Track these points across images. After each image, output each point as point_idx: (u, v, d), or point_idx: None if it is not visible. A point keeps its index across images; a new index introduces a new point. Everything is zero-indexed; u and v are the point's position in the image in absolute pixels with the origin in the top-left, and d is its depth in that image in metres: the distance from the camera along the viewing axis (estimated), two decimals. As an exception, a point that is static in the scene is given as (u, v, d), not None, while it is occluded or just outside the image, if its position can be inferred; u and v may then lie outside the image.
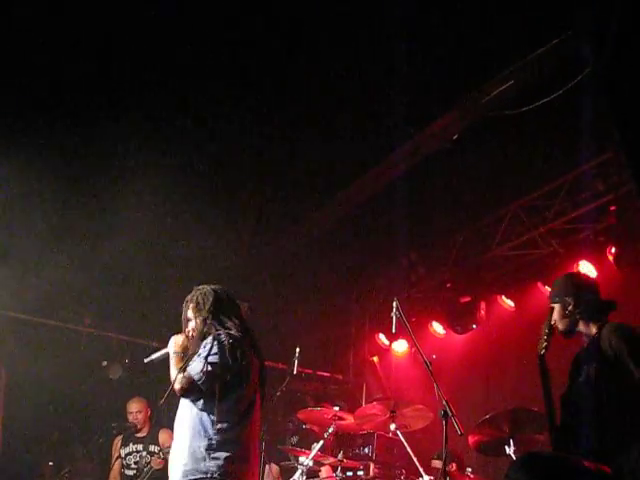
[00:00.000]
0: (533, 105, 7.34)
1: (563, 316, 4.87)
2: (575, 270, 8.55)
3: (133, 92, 8.22)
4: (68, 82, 7.97)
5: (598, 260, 8.58)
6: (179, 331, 5.17)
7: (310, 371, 11.27)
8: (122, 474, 8.67)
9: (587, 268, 8.62)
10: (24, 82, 7.83)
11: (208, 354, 4.80)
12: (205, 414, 4.81)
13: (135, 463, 8.56)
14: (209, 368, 4.76)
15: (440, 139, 8.49)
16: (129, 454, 8.68)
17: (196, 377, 4.77)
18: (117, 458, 8.72)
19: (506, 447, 6.36)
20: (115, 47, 7.64)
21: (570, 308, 4.84)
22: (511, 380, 9.43)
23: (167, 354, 5.08)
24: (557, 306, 4.91)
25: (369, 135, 8.51)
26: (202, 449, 4.72)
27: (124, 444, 8.76)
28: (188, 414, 4.88)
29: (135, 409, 8.82)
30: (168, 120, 8.60)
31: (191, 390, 4.81)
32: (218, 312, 5.05)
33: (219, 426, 4.76)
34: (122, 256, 9.84)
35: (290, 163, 9.07)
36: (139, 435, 8.77)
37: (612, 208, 8.45)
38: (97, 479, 9.41)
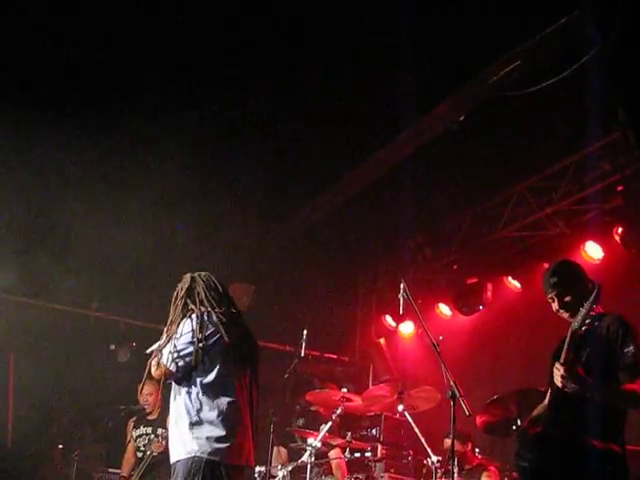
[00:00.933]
0: (540, 86, 7.32)
1: (562, 305, 4.88)
2: (580, 253, 8.59)
3: (135, 83, 8.26)
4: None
5: (605, 241, 8.59)
6: None
7: (317, 353, 11.30)
8: (135, 456, 8.74)
9: (594, 249, 8.63)
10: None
11: (177, 337, 4.88)
12: (187, 396, 4.86)
13: (144, 446, 8.60)
14: (176, 352, 4.84)
15: (446, 121, 8.47)
16: (140, 436, 8.71)
17: (166, 363, 4.85)
18: (130, 440, 8.78)
19: (514, 427, 6.38)
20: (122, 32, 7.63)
21: (567, 299, 4.85)
22: (518, 361, 9.46)
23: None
24: (554, 296, 4.91)
25: (375, 117, 8.48)
26: (186, 430, 4.78)
27: (136, 426, 8.80)
28: (174, 397, 4.96)
29: (146, 391, 8.85)
30: (169, 106, 8.59)
31: (167, 375, 4.88)
32: (191, 298, 5.08)
33: (197, 406, 4.81)
34: (129, 239, 9.86)
35: (296, 146, 9.05)
36: (150, 418, 8.80)
37: (619, 188, 8.44)
38: (106, 462, 9.46)
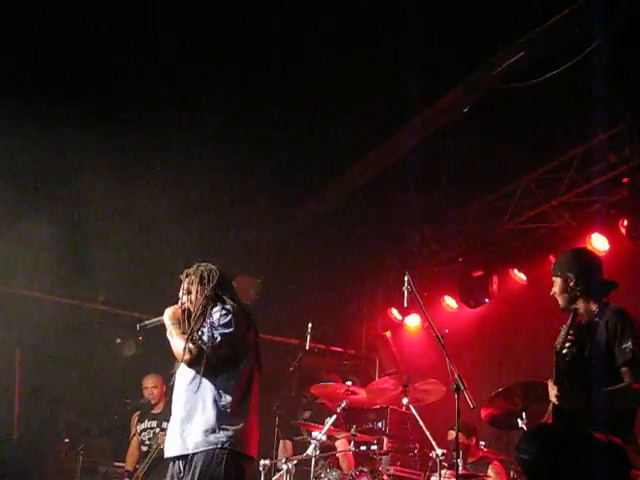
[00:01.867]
0: (544, 77, 7.29)
1: (563, 290, 4.88)
2: (585, 245, 8.55)
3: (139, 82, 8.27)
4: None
5: (610, 233, 8.56)
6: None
7: (323, 346, 11.31)
8: (140, 450, 8.76)
9: (599, 241, 8.60)
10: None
11: (217, 324, 4.87)
12: (213, 387, 4.86)
13: (149, 440, 8.63)
14: (218, 337, 4.83)
15: (451, 112, 8.44)
16: (144, 430, 8.74)
17: (205, 346, 4.82)
18: (134, 434, 8.80)
19: (518, 420, 6.37)
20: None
21: (572, 284, 4.83)
22: (524, 353, 9.45)
23: (159, 322, 5.18)
24: (558, 280, 4.92)
25: (379, 110, 8.46)
26: (211, 421, 4.77)
27: (140, 420, 8.82)
28: (195, 388, 4.90)
29: (150, 384, 8.89)
30: (173, 103, 8.60)
31: (199, 359, 4.84)
32: (221, 289, 5.10)
33: (225, 398, 4.83)
34: (134, 233, 9.87)
35: (301, 139, 9.03)
36: (155, 412, 8.83)
37: (624, 180, 8.42)
38: (112, 456, 9.47)
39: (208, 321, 4.89)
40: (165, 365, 9.43)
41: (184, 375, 5.00)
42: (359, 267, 11.94)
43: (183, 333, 4.93)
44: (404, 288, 6.08)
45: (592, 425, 4.27)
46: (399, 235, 11.08)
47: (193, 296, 5.07)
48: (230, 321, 4.88)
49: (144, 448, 8.65)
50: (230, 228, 10.30)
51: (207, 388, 4.87)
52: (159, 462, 8.16)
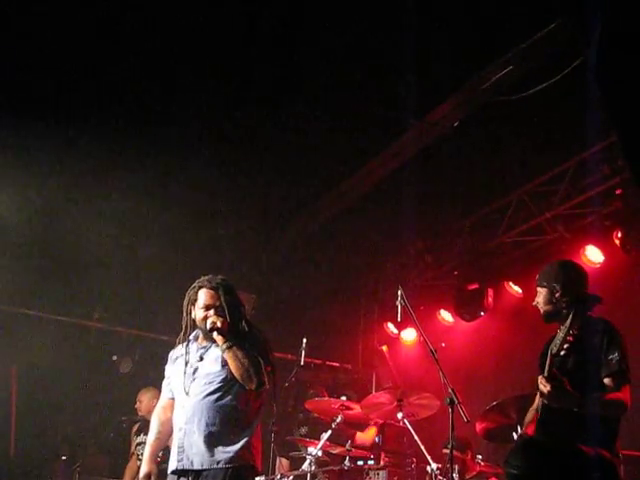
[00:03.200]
0: (534, 90, 7.31)
1: (548, 301, 4.88)
2: (580, 257, 8.55)
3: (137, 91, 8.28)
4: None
5: (605, 245, 8.56)
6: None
7: (319, 361, 11.28)
8: (137, 465, 8.74)
9: (594, 253, 8.60)
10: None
11: (261, 352, 4.94)
12: (238, 404, 4.92)
13: (142, 454, 8.61)
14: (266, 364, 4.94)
15: (441, 126, 8.46)
16: (139, 444, 8.72)
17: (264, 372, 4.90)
18: (136, 446, 8.81)
19: (514, 434, 6.34)
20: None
21: (557, 295, 4.84)
22: (519, 366, 9.39)
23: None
24: (544, 290, 4.92)
25: (369, 124, 8.48)
26: (235, 437, 4.83)
27: (137, 434, 8.81)
28: (222, 404, 4.91)
29: (145, 399, 8.89)
30: (171, 118, 8.62)
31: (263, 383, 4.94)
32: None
33: (248, 415, 4.94)
34: (130, 250, 9.88)
35: (295, 152, 9.04)
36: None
37: (618, 192, 8.39)
38: (109, 473, 9.45)
39: (255, 345, 4.97)
40: (161, 382, 9.46)
41: (205, 390, 4.96)
42: (355, 281, 11.93)
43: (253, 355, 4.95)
44: (397, 302, 6.08)
45: (577, 436, 4.26)
46: (394, 249, 11.07)
47: (228, 311, 5.04)
48: (265, 347, 5.02)
49: (139, 463, 8.62)
50: (224, 244, 10.30)
51: (232, 406, 4.91)
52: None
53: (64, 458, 9.54)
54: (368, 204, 10.17)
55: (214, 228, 10.02)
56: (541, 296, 4.92)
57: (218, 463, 4.77)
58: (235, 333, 4.96)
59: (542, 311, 4.93)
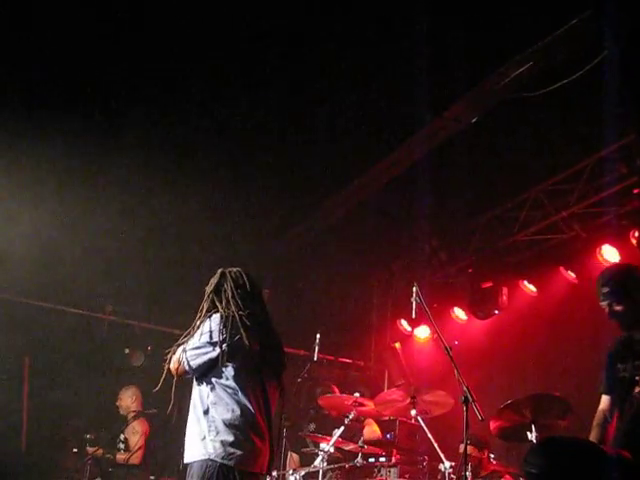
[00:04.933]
0: (553, 87, 7.26)
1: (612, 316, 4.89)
2: (596, 256, 8.53)
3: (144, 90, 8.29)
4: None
5: (621, 244, 8.51)
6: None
7: (332, 357, 11.27)
8: None
9: (610, 252, 8.55)
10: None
11: (197, 335, 4.87)
12: (203, 396, 4.84)
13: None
14: (191, 351, 4.83)
15: (459, 123, 8.41)
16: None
17: (180, 360, 4.85)
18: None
19: (528, 433, 6.31)
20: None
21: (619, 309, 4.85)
22: (534, 365, 9.39)
23: None
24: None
25: (387, 120, 8.44)
26: (202, 431, 4.73)
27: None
28: (194, 397, 4.92)
29: (125, 397, 9.14)
30: (190, 108, 8.61)
31: (180, 372, 4.89)
32: (218, 295, 5.02)
33: (213, 408, 4.78)
34: (143, 243, 9.87)
35: (310, 149, 9.02)
36: None
37: (635, 191, 8.36)
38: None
39: (192, 334, 4.92)
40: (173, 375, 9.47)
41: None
42: (368, 278, 11.91)
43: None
44: (412, 299, 6.05)
45: None
46: (408, 246, 11.04)
47: (200, 310, 5.08)
48: (210, 333, 4.85)
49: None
50: (238, 239, 10.28)
51: (198, 398, 4.86)
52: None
53: (75, 451, 9.54)
54: (383, 201, 10.15)
55: (228, 222, 9.99)
56: (606, 310, 4.91)
57: (187, 458, 4.80)
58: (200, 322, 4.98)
59: (625, 321, 4.91)
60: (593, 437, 5.04)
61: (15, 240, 9.04)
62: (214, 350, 4.81)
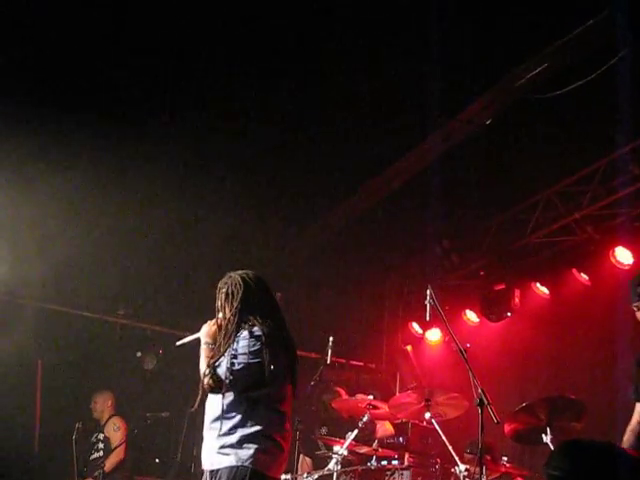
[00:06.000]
0: (567, 88, 7.24)
1: None
2: (609, 258, 8.50)
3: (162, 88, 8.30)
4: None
5: (635, 246, 8.49)
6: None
7: (343, 360, 11.26)
8: None
9: (623, 254, 8.53)
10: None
11: (240, 353, 4.75)
12: (239, 405, 4.77)
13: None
14: (238, 369, 4.73)
15: (473, 124, 8.40)
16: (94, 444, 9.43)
17: (224, 376, 4.73)
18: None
19: (543, 436, 6.30)
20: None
21: None
22: (546, 368, 9.36)
23: (198, 339, 5.03)
24: None
25: (400, 122, 8.43)
26: (235, 438, 4.69)
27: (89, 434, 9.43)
28: (221, 404, 4.81)
29: (100, 401, 9.54)
30: (197, 110, 8.62)
31: (216, 389, 4.78)
32: (248, 305, 4.93)
33: (250, 417, 4.73)
34: (155, 247, 9.88)
35: (322, 151, 9.02)
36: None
37: (648, 193, 8.34)
38: (131, 469, 9.45)
39: (232, 348, 4.77)
40: (185, 378, 9.47)
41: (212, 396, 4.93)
42: (380, 281, 11.89)
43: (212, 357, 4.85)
44: (426, 301, 6.03)
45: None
46: (420, 248, 11.02)
47: (222, 314, 4.98)
48: (256, 351, 4.75)
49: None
50: (250, 242, 10.28)
51: (233, 407, 4.78)
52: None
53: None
54: (395, 203, 10.13)
55: (242, 225, 10.00)
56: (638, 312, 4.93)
57: (213, 464, 4.76)
58: (223, 334, 4.89)
59: None
60: (625, 443, 5.03)
61: (29, 243, 9.06)
62: (260, 368, 4.74)
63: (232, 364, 4.73)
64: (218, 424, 4.79)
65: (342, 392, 9.05)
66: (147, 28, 7.56)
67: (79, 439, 8.60)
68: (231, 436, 4.72)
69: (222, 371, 4.74)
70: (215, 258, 9.76)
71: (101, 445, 9.22)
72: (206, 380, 4.80)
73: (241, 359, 4.74)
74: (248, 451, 4.67)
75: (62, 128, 8.09)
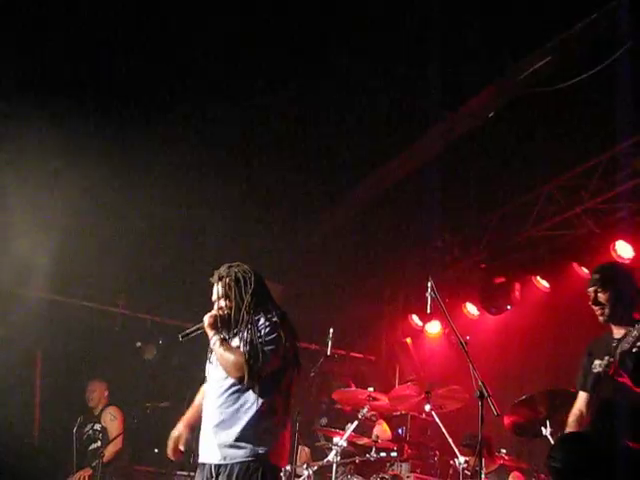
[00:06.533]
0: (569, 82, 7.23)
1: (614, 304, 4.93)
2: (610, 252, 8.50)
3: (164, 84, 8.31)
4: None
5: (635, 240, 8.48)
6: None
7: (343, 352, 11.27)
8: None
9: (624, 248, 8.52)
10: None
11: (265, 339, 4.66)
12: (256, 398, 4.67)
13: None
14: (268, 355, 4.63)
15: (476, 117, 8.39)
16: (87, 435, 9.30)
17: (256, 365, 4.62)
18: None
19: (542, 428, 6.32)
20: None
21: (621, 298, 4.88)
22: (546, 361, 9.38)
23: (200, 330, 4.91)
24: (609, 292, 4.99)
25: (403, 115, 8.43)
26: (251, 431, 4.62)
27: (82, 425, 9.26)
28: (234, 395, 4.72)
29: (97, 390, 9.38)
30: (199, 102, 8.61)
31: (253, 377, 4.63)
32: (261, 293, 4.88)
33: (267, 409, 4.67)
34: (154, 237, 9.88)
35: (324, 144, 9.01)
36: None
37: (650, 187, 8.34)
38: (130, 459, 9.47)
39: (255, 334, 4.67)
40: (185, 367, 9.49)
41: (221, 381, 4.80)
42: (380, 273, 11.89)
43: (237, 347, 4.72)
44: (427, 294, 6.02)
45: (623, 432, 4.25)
46: (421, 241, 11.03)
47: (232, 301, 4.83)
48: (278, 337, 4.67)
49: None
50: (251, 233, 10.28)
51: (247, 400, 4.69)
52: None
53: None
54: (396, 196, 10.13)
55: (242, 218, 10.00)
56: (590, 297, 4.95)
57: (226, 458, 4.63)
58: (235, 323, 4.79)
59: (606, 312, 5.02)
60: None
61: (29, 234, 9.05)
62: (278, 356, 4.68)
63: (262, 351, 4.63)
64: (233, 416, 4.69)
65: (351, 383, 9.09)
66: (149, 28, 7.58)
67: (78, 430, 8.66)
68: (248, 429, 4.63)
69: (255, 359, 4.62)
70: (216, 250, 9.77)
71: (99, 435, 9.21)
72: (239, 371, 4.63)
73: (268, 345, 4.65)
74: (264, 444, 4.61)
75: (67, 121, 8.08)
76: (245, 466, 4.58)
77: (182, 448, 4.99)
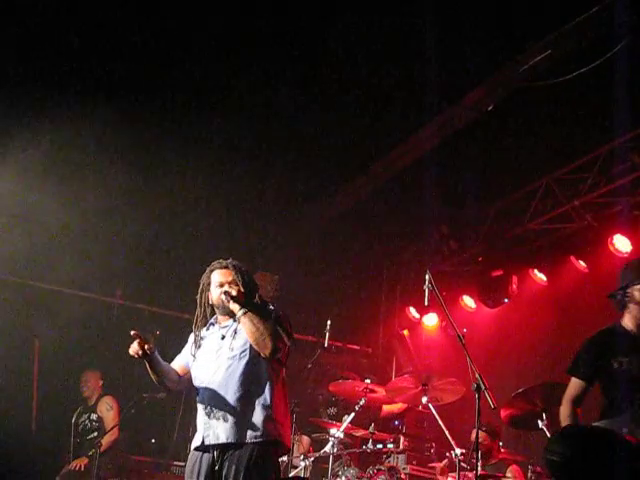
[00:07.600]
0: (568, 76, 7.24)
1: None
2: (607, 246, 8.53)
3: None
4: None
5: (633, 234, 8.50)
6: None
7: (340, 344, 11.28)
8: None
9: (622, 242, 8.54)
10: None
11: (279, 321, 4.84)
12: (269, 382, 4.82)
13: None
14: (291, 335, 4.89)
15: (475, 111, 8.40)
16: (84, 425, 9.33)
17: (281, 339, 4.80)
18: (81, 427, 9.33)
19: (539, 421, 6.33)
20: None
21: None
22: (543, 354, 9.39)
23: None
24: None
25: (402, 107, 8.43)
26: (263, 413, 4.73)
27: (79, 415, 9.34)
28: (248, 376, 4.83)
29: (92, 379, 9.43)
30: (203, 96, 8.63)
31: (274, 351, 4.77)
32: (256, 289, 5.10)
33: (276, 394, 4.82)
34: (152, 228, 9.88)
35: (322, 135, 9.01)
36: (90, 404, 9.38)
37: (647, 180, 8.35)
38: (127, 448, 9.48)
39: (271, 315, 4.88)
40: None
41: (229, 365, 4.89)
42: (377, 265, 11.91)
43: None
44: (425, 286, 6.02)
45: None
46: (418, 234, 11.04)
47: (244, 288, 4.97)
48: (288, 325, 4.91)
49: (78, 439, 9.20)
50: (248, 224, 10.29)
51: (261, 384, 4.82)
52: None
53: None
54: (394, 188, 10.13)
55: (240, 208, 10.00)
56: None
57: (242, 438, 4.69)
58: (251, 303, 4.92)
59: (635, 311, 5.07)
60: (564, 413, 5.13)
61: (26, 223, 9.05)
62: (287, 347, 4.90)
63: (285, 330, 4.85)
64: (246, 398, 4.79)
65: (352, 375, 9.09)
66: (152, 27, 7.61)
67: (76, 420, 8.67)
68: (262, 410, 4.74)
69: (283, 335, 4.84)
70: (213, 240, 9.78)
71: (96, 425, 9.22)
72: (280, 342, 4.78)
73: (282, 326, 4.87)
74: (275, 424, 4.75)
75: (65, 109, 8.08)
76: (257, 447, 4.67)
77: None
